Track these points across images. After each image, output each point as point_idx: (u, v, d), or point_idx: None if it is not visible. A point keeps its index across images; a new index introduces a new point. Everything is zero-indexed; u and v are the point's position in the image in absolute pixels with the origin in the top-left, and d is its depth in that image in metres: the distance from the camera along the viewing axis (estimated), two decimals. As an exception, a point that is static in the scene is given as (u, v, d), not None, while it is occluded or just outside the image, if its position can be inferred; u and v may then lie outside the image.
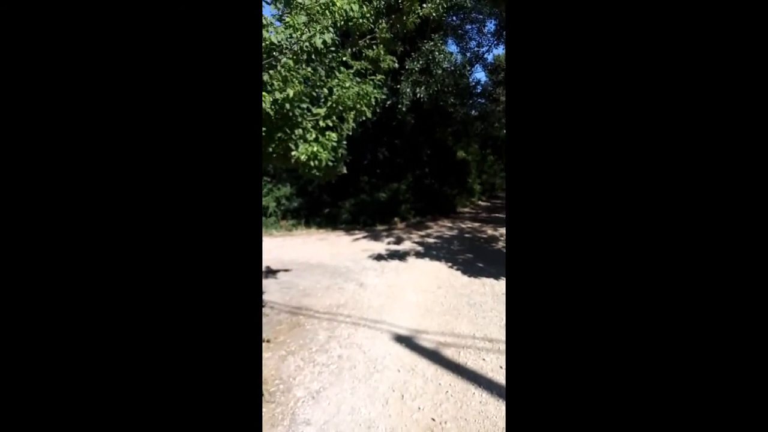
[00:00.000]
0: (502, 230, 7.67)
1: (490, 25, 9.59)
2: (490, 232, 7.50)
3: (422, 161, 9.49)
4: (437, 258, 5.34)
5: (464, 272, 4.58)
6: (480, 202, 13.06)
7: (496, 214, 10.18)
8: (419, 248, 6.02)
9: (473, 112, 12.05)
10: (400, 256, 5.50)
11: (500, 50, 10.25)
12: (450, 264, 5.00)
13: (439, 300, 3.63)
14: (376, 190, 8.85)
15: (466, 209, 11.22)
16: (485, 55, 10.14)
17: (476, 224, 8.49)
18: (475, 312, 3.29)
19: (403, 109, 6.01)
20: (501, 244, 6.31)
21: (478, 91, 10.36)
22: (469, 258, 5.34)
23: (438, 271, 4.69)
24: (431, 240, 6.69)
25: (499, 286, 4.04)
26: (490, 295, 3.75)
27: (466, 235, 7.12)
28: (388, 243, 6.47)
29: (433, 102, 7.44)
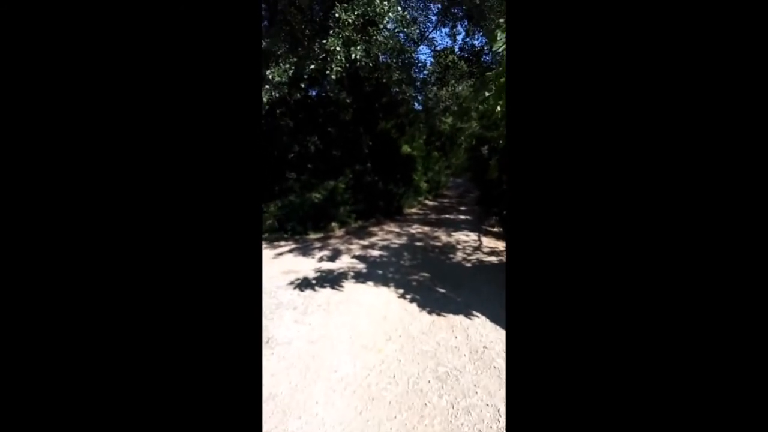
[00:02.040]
0: (458, 235, 6.59)
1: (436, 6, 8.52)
2: (444, 238, 6.36)
3: (363, 154, 8.07)
4: (384, 281, 3.97)
5: (422, 305, 3.27)
6: (427, 202, 12.06)
7: (446, 215, 9.18)
8: (360, 266, 4.59)
9: (418, 98, 10.97)
10: (335, 280, 4.02)
11: (442, 34, 9.19)
12: (402, 291, 3.66)
13: (391, 370, 2.24)
14: (308, 190, 7.21)
15: (414, 210, 10.09)
16: (430, 35, 9.03)
17: (427, 228, 7.32)
18: (450, 398, 1.96)
19: (333, 76, 4.45)
20: (460, 255, 5.16)
21: (423, 76, 9.22)
22: (426, 279, 4.06)
23: (386, 305, 3.31)
24: (376, 252, 5.31)
25: (474, 328, 2.79)
26: (465, 351, 2.46)
27: (418, 244, 5.88)
28: (321, 259, 4.94)
29: (373, 75, 6.09)
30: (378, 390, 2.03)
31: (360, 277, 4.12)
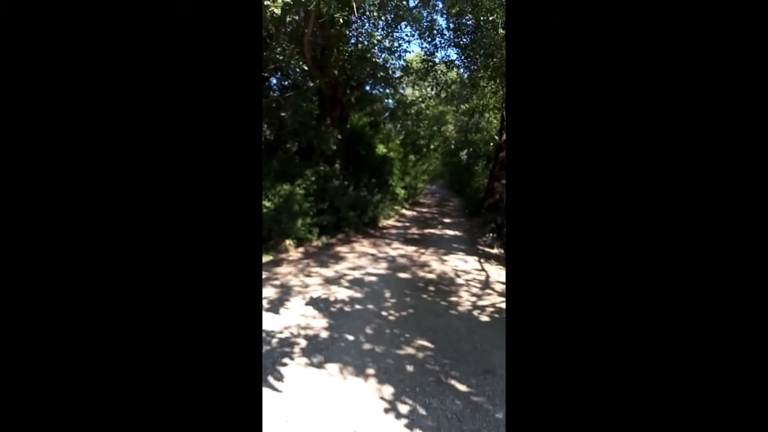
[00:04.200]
0: (453, 260, 5.02)
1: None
2: (436, 265, 4.76)
3: (329, 152, 6.31)
4: (357, 361, 2.27)
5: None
6: (405, 212, 10.48)
7: (431, 230, 7.63)
8: (318, 323, 2.85)
9: (390, 94, 9.51)
10: (272, 357, 2.26)
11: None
12: (391, 392, 1.98)
13: None
14: (255, 196, 5.36)
15: (391, 222, 8.45)
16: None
17: (411, 249, 5.70)
18: None
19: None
20: (466, 297, 3.56)
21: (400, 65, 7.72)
22: (427, 356, 2.41)
23: (363, 447, 1.62)
24: (343, 292, 3.58)
25: None
26: None
27: (403, 276, 4.23)
28: (257, 306, 3.15)
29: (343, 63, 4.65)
30: None
31: (316, 352, 2.38)
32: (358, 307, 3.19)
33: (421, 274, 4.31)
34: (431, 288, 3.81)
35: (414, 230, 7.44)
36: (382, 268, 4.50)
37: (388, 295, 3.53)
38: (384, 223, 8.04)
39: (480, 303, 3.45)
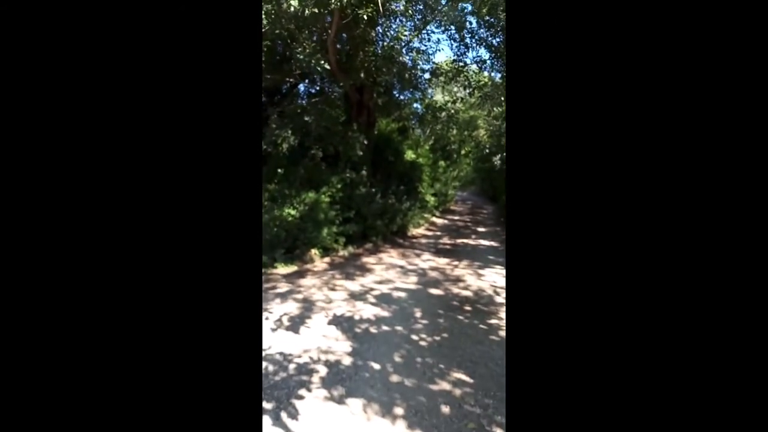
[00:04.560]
0: (490, 275, 4.58)
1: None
2: (471, 280, 4.35)
3: (356, 158, 6.09)
4: (384, 399, 1.94)
5: None
6: (435, 220, 10.06)
7: (464, 239, 7.18)
8: (341, 345, 2.56)
9: (420, 101, 9.19)
10: (287, 387, 2.00)
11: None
12: (424, 445, 1.64)
13: None
14: (279, 204, 5.20)
15: (421, 230, 8.07)
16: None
17: (443, 261, 5.32)
18: None
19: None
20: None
21: (429, 68, 7.39)
22: (467, 394, 2.04)
23: None
24: (369, 310, 3.28)
25: None
26: None
27: (435, 292, 3.86)
28: (278, 323, 2.91)
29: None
30: None
31: (337, 383, 2.09)
32: (385, 328, 2.87)
33: (456, 290, 3.92)
34: (467, 307, 3.42)
35: (446, 240, 7.03)
36: (411, 282, 4.16)
37: (418, 314, 3.18)
38: (413, 231, 7.69)
39: (524, 326, 3.02)
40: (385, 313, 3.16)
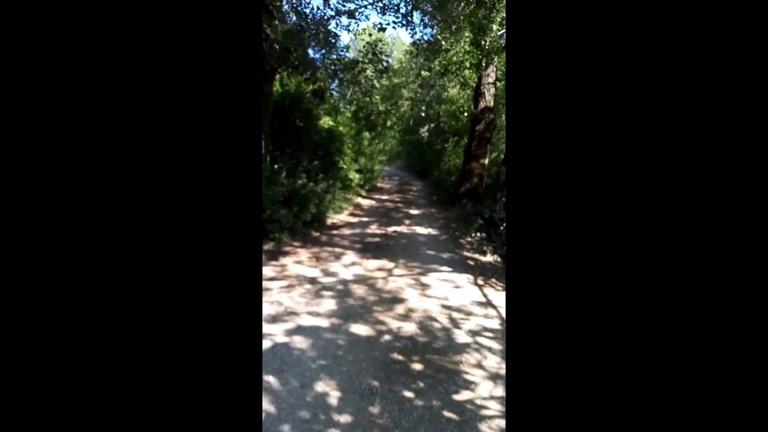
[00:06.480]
0: (438, 284, 3.30)
1: None
2: (413, 296, 3.00)
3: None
4: None
5: None
6: (361, 200, 8.56)
7: (397, 227, 5.85)
8: None
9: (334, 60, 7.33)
10: None
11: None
12: None
13: None
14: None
15: (344, 216, 6.50)
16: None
17: (372, 264, 3.90)
18: None
19: None
20: (485, 384, 1.86)
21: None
22: None
23: None
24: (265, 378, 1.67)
25: None
26: None
27: (361, 332, 2.42)
28: None
29: None
30: None
31: None
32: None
33: (394, 324, 2.53)
34: (415, 360, 2.06)
35: (374, 228, 5.62)
36: (325, 313, 2.64)
37: (334, 399, 1.70)
38: (334, 219, 6.11)
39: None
40: (271, 408, 1.61)
